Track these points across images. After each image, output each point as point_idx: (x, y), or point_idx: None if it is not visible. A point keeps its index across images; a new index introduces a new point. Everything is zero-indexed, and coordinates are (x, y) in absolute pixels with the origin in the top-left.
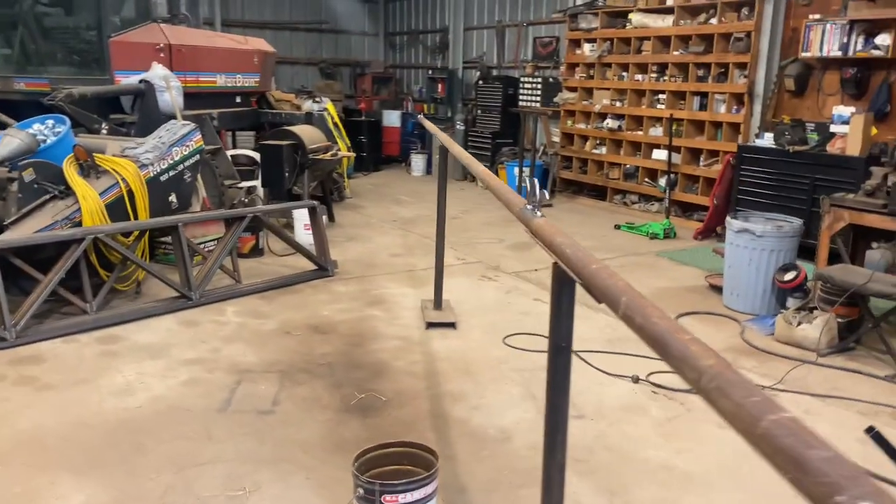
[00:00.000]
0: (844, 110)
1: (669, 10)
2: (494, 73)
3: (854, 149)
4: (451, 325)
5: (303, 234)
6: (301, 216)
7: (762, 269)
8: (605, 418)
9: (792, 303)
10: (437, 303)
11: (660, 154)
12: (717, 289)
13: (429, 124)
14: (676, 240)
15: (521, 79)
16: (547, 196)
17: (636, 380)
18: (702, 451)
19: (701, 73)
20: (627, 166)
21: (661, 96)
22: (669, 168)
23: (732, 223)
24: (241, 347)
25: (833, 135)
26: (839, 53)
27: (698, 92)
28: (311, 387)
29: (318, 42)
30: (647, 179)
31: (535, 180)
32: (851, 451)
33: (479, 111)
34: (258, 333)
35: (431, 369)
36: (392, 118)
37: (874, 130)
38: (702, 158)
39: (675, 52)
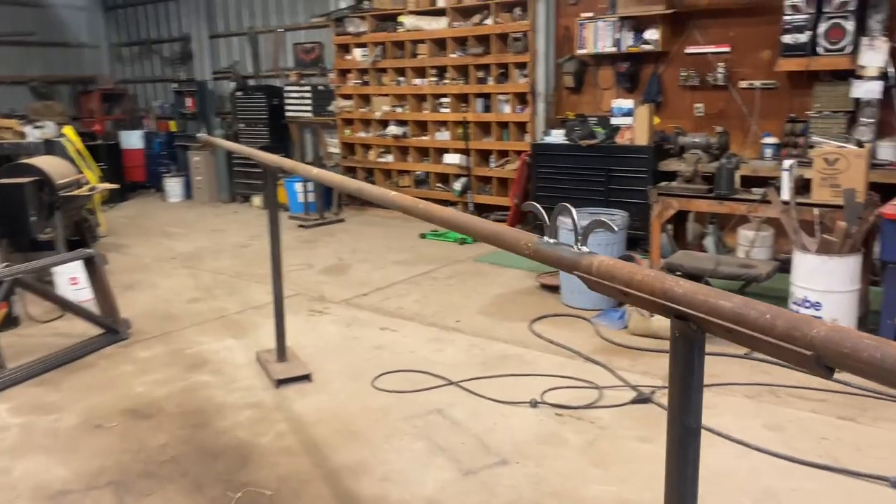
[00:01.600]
0: (623, 103)
1: (441, 12)
2: (252, 82)
3: (642, 138)
4: (306, 378)
5: (70, 290)
6: (64, 269)
7: None
8: (529, 458)
9: None
10: (280, 353)
11: (451, 158)
12: (552, 288)
13: (232, 146)
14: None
15: (286, 88)
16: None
17: (535, 404)
18: (642, 473)
19: (481, 74)
20: (418, 173)
21: (443, 100)
22: (469, 171)
23: (566, 222)
24: (41, 460)
25: (618, 127)
26: (613, 49)
27: (481, 94)
28: (164, 497)
29: (24, 57)
30: (438, 184)
31: (569, 206)
32: (765, 439)
33: (241, 125)
34: (57, 435)
35: (308, 439)
36: (132, 139)
37: (656, 120)
38: (492, 159)
39: (453, 55)
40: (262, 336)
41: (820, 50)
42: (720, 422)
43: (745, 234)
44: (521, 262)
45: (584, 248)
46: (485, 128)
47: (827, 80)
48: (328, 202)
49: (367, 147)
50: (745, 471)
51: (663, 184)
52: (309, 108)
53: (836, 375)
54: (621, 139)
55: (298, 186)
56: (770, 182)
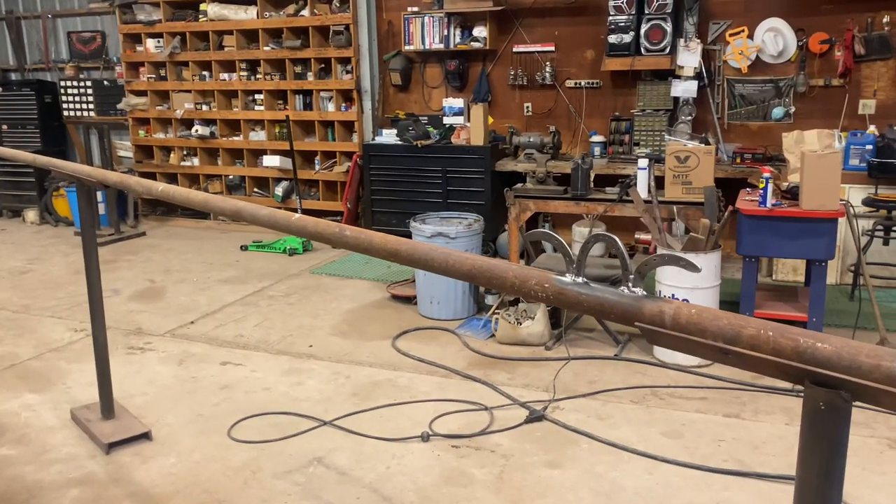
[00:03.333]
0: (454, 102)
1: (251, 1)
2: (14, 76)
3: (478, 139)
4: (145, 437)
5: None
6: None
7: None
8: None
9: (491, 300)
10: (106, 407)
11: (270, 160)
12: (406, 299)
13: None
14: (316, 251)
15: (62, 83)
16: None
17: (426, 437)
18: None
19: (299, 69)
20: (230, 177)
21: (257, 96)
22: (296, 175)
23: (423, 228)
24: None
25: (453, 127)
26: (441, 46)
27: (301, 90)
28: None
29: None
30: (256, 189)
31: (613, 236)
32: (668, 448)
33: (3, 126)
34: None
35: None
36: None
37: (490, 120)
38: (317, 161)
39: (267, 48)
40: (72, 387)
41: (642, 50)
42: (620, 434)
43: (579, 230)
44: (363, 271)
45: (639, 291)
46: (307, 127)
47: (648, 80)
48: (122, 213)
49: (167, 150)
50: (661, 487)
51: (519, 186)
52: (92, 106)
53: (706, 370)
54: (457, 139)
55: None
56: (620, 181)
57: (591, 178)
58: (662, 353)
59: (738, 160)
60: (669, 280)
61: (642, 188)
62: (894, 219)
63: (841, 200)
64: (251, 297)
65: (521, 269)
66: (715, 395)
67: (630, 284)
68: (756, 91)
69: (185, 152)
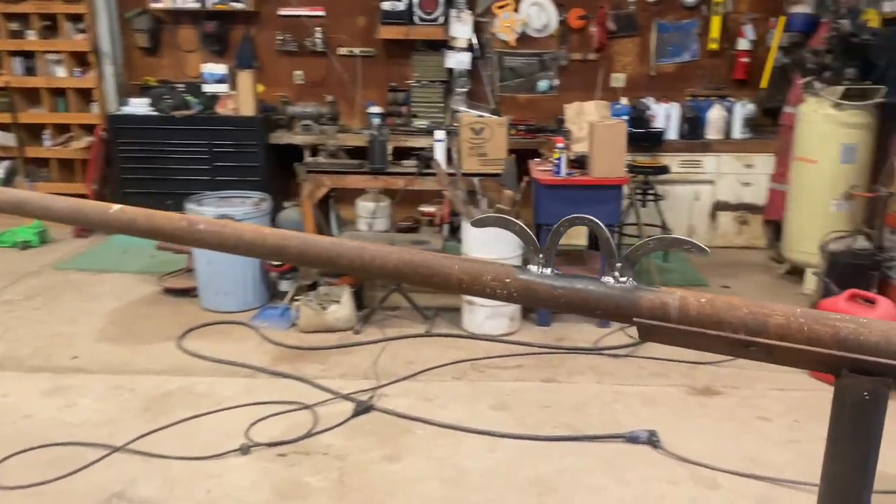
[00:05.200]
0: (216, 68)
1: None
2: None
3: (247, 109)
4: None
5: None
6: None
7: (249, 259)
8: None
9: (287, 285)
10: None
11: None
12: (181, 292)
13: None
14: (57, 242)
15: None
16: None
17: (246, 449)
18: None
19: (16, 26)
20: None
21: None
22: (22, 153)
23: (202, 211)
24: None
25: (217, 96)
26: (196, 5)
27: (20, 52)
28: None
29: None
30: None
31: (593, 219)
32: (500, 422)
33: None
34: None
35: None
36: None
37: (260, 88)
38: (47, 136)
39: None
40: None
41: (416, 20)
42: (451, 414)
43: (365, 205)
44: (121, 262)
45: (629, 280)
46: (31, 96)
47: (424, 50)
48: None
49: None
50: (505, 464)
51: (311, 160)
52: None
53: (514, 336)
54: (223, 109)
55: None
56: (413, 153)
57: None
58: (470, 323)
59: (514, 132)
60: (479, 252)
61: (441, 161)
62: (650, 183)
63: None
64: None
65: (468, 264)
66: (529, 362)
67: (617, 274)
68: (524, 64)
69: None
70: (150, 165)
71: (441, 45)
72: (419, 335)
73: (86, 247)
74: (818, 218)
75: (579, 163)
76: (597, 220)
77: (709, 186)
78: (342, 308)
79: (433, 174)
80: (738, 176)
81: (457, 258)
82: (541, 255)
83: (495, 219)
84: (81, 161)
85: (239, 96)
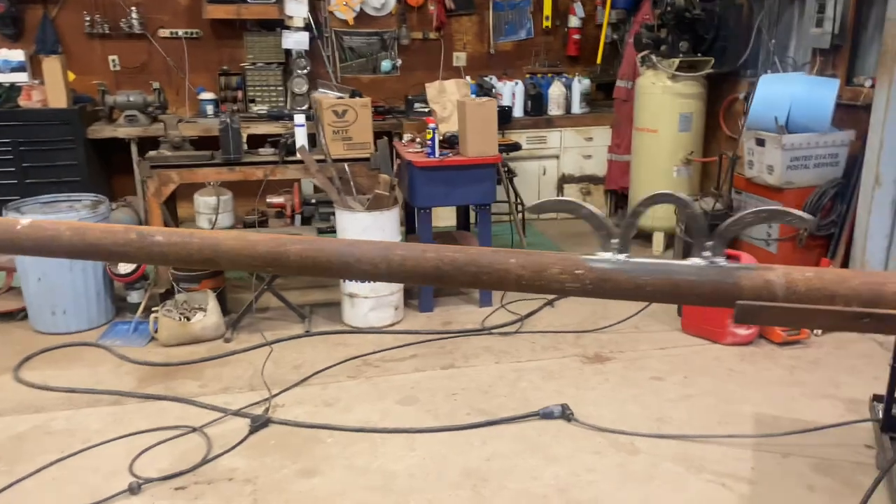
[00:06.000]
0: (12, 54)
1: None
2: None
3: (58, 100)
4: None
5: None
6: None
7: (90, 270)
8: None
9: (137, 296)
10: None
11: None
12: (6, 315)
13: None
14: None
15: None
16: None
17: (136, 488)
18: None
19: None
20: None
21: None
22: None
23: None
24: None
25: (18, 87)
26: None
27: None
28: None
29: None
30: None
31: (682, 196)
32: (413, 417)
33: None
34: None
35: None
36: None
37: (71, 76)
38: None
39: None
40: None
41: None
42: (358, 416)
43: (205, 200)
44: None
45: (722, 260)
46: None
47: (256, 31)
48: None
49: None
50: (430, 460)
51: (153, 153)
52: None
53: (397, 326)
54: (27, 101)
55: None
56: (270, 140)
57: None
58: (352, 317)
59: None
60: (354, 234)
61: (301, 147)
62: (503, 161)
63: None
64: None
65: (528, 257)
66: (422, 351)
67: (709, 254)
68: (364, 44)
69: None
70: None
71: (276, 25)
72: (299, 336)
73: None
74: (661, 184)
75: (449, 143)
76: (681, 196)
77: (554, 161)
78: (209, 316)
79: (296, 162)
80: (580, 149)
81: (511, 252)
82: (614, 241)
83: (559, 203)
84: None
85: (46, 86)
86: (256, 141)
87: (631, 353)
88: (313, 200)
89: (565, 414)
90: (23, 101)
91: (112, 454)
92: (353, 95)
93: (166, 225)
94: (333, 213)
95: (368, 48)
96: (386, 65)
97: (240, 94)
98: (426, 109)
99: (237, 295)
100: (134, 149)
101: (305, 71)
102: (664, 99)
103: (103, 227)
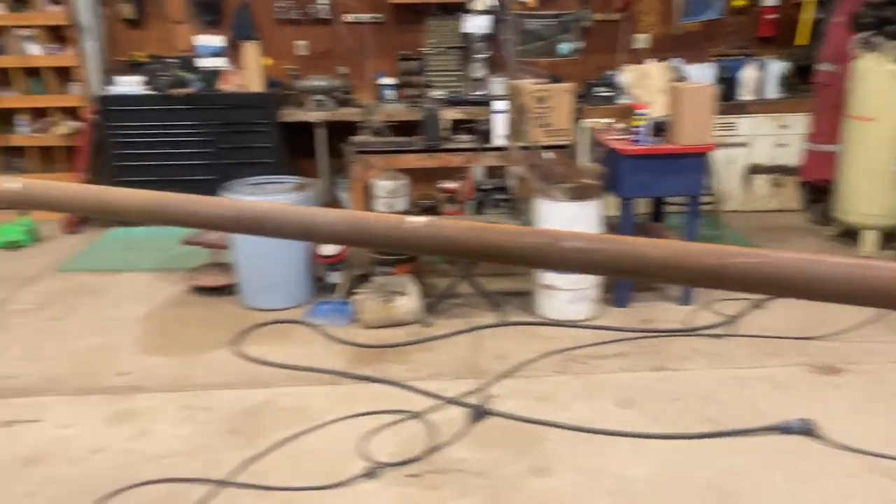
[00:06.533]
0: (211, 40)
1: None
2: None
3: (255, 84)
4: None
5: None
6: None
7: (294, 249)
8: None
9: (336, 277)
10: None
11: None
12: (216, 290)
13: None
14: (47, 241)
15: None
16: None
17: (373, 472)
18: None
19: None
20: None
21: None
22: (8, 140)
23: (240, 199)
24: None
25: (218, 71)
26: None
27: None
28: None
29: None
30: None
31: None
32: (636, 421)
33: None
34: None
35: None
36: None
37: (268, 61)
38: (21, 121)
39: None
40: None
41: None
42: (576, 414)
43: (383, 184)
44: (131, 259)
45: None
46: (1, 76)
47: (438, 15)
48: None
49: None
50: (666, 468)
51: (357, 138)
52: None
53: (598, 320)
54: (226, 85)
55: None
56: (464, 126)
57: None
58: (549, 309)
59: None
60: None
61: (499, 134)
62: None
63: None
64: None
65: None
66: (626, 349)
67: None
68: (544, 26)
69: None
70: (146, 150)
71: (457, 9)
72: (495, 325)
73: (82, 245)
74: (876, 178)
75: (658, 130)
76: None
77: (742, 149)
78: (410, 300)
79: (495, 149)
80: (773, 137)
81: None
82: None
83: None
84: (64, 148)
85: (245, 71)
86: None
87: (868, 366)
88: (486, 186)
89: (807, 429)
90: (223, 85)
91: (341, 434)
92: (552, 81)
93: (366, 209)
94: (506, 200)
95: (547, 30)
96: (564, 48)
97: (418, 78)
98: (608, 94)
99: (432, 279)
100: (320, 132)
101: (485, 55)
102: (887, 85)
103: (501, 227)
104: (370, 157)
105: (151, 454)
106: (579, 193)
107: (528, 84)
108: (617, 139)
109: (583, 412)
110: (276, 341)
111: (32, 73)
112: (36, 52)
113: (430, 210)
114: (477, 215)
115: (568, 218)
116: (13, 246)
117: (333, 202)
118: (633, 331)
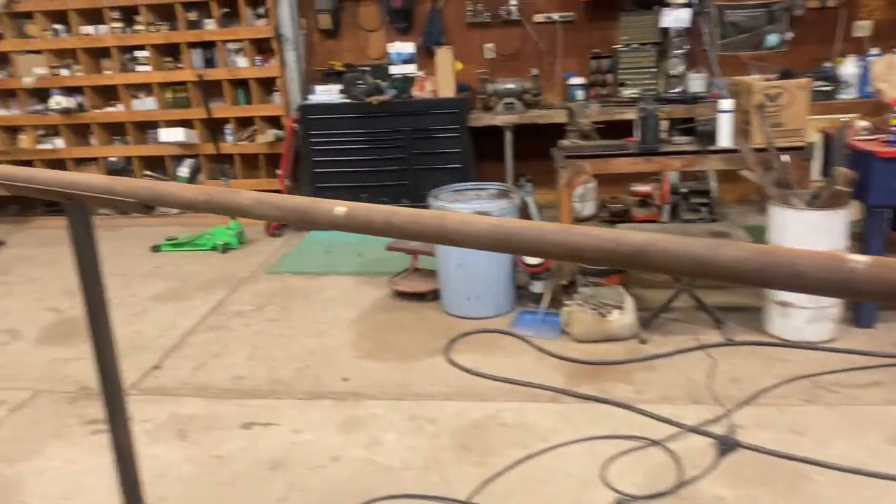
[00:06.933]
0: (403, 47)
1: None
2: None
3: (447, 89)
4: None
5: None
6: None
7: (499, 258)
8: None
9: (539, 286)
10: None
11: (170, 134)
12: (418, 296)
13: None
14: (253, 243)
15: None
16: None
17: None
18: None
19: (194, 15)
20: (113, 159)
21: (139, 53)
22: (218, 149)
23: (454, 209)
24: None
25: (412, 78)
26: None
27: (199, 42)
28: None
29: None
30: (147, 172)
31: None
32: None
33: None
34: None
35: None
36: None
37: (459, 65)
38: (229, 130)
39: None
40: None
41: None
42: (841, 452)
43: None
44: (331, 263)
45: None
46: (210, 88)
47: (632, 10)
48: None
49: (14, 129)
50: None
51: (565, 142)
52: None
53: (841, 342)
54: (419, 91)
55: None
56: (679, 127)
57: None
58: (782, 328)
59: None
60: (809, 243)
61: (725, 135)
62: None
63: None
64: (213, 318)
65: None
66: (882, 377)
67: None
68: (748, 17)
69: (41, 132)
70: (341, 157)
71: (653, 3)
72: (723, 344)
73: (285, 247)
74: None
75: None
76: None
77: None
78: (626, 314)
79: (720, 151)
80: None
81: None
82: None
83: None
84: (266, 156)
85: (438, 76)
86: (625, 128)
87: None
88: (682, 189)
89: None
90: (415, 92)
91: (575, 457)
92: (783, 76)
93: (566, 219)
94: (704, 205)
95: (752, 21)
96: (772, 39)
97: (609, 77)
98: (827, 89)
99: (638, 291)
100: (507, 136)
101: (683, 50)
102: None
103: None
104: (579, 161)
105: (387, 465)
106: (825, 201)
107: (756, 80)
108: (865, 139)
109: (850, 450)
110: (484, 351)
111: (238, 84)
112: (242, 64)
113: (620, 215)
114: (672, 221)
115: (809, 229)
116: (225, 248)
117: (522, 207)
118: (890, 356)
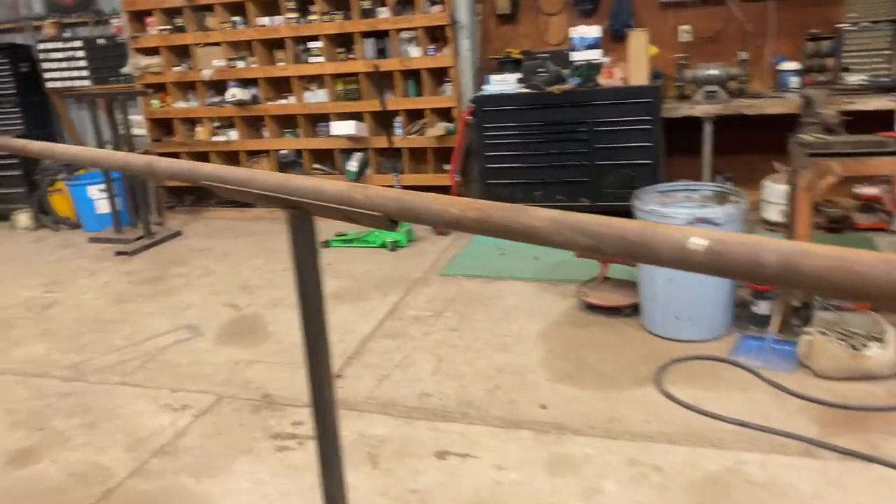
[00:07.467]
0: (586, 31)
1: None
2: None
3: (639, 77)
4: None
5: None
6: None
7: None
8: None
9: (765, 307)
10: None
11: (341, 127)
12: (610, 310)
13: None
14: (421, 241)
15: (41, 45)
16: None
17: None
18: None
19: (367, 4)
20: (283, 152)
21: (312, 44)
22: (391, 143)
23: (666, 213)
24: None
25: (599, 65)
26: None
27: (372, 32)
28: None
29: None
30: (317, 166)
31: None
32: None
33: None
34: None
35: None
36: None
37: (654, 50)
38: (399, 123)
39: None
40: None
41: None
42: None
43: (773, 187)
44: (506, 266)
45: None
46: (381, 80)
47: None
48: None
49: (192, 122)
50: None
51: (807, 137)
52: (85, 72)
53: None
54: (607, 79)
55: (94, 190)
56: None
57: None
58: None
59: None
60: None
61: None
62: None
63: None
64: (391, 323)
65: None
66: None
67: None
68: None
69: (216, 124)
70: (516, 152)
71: None
72: None
73: (454, 246)
74: None
75: None
76: None
77: None
78: (888, 348)
79: None
80: None
81: None
82: None
83: None
84: (435, 150)
85: (629, 62)
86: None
87: None
88: None
89: None
90: (603, 80)
91: None
92: None
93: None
94: None
95: None
96: None
97: (829, 62)
98: None
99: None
100: (707, 128)
101: None
102: None
103: None
104: (825, 161)
105: None
106: None
107: None
108: None
109: None
110: (702, 383)
111: (409, 75)
112: (415, 54)
113: (840, 221)
114: None
115: None
116: (394, 246)
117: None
118: None
